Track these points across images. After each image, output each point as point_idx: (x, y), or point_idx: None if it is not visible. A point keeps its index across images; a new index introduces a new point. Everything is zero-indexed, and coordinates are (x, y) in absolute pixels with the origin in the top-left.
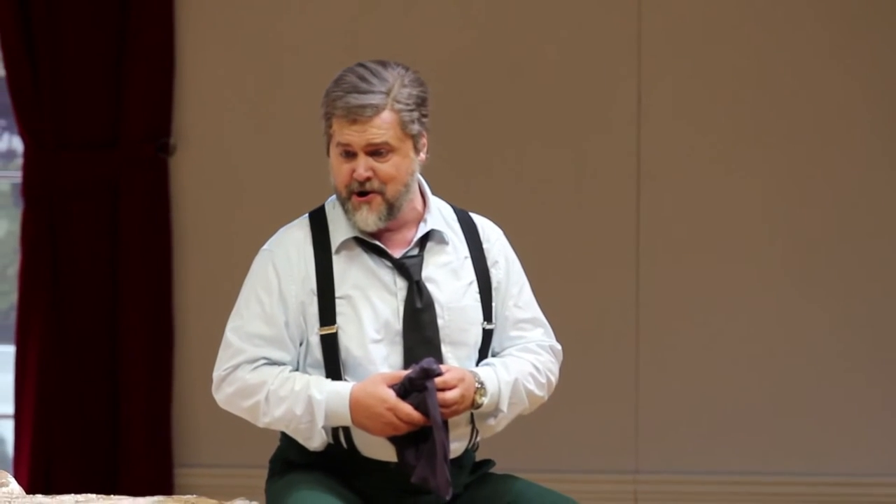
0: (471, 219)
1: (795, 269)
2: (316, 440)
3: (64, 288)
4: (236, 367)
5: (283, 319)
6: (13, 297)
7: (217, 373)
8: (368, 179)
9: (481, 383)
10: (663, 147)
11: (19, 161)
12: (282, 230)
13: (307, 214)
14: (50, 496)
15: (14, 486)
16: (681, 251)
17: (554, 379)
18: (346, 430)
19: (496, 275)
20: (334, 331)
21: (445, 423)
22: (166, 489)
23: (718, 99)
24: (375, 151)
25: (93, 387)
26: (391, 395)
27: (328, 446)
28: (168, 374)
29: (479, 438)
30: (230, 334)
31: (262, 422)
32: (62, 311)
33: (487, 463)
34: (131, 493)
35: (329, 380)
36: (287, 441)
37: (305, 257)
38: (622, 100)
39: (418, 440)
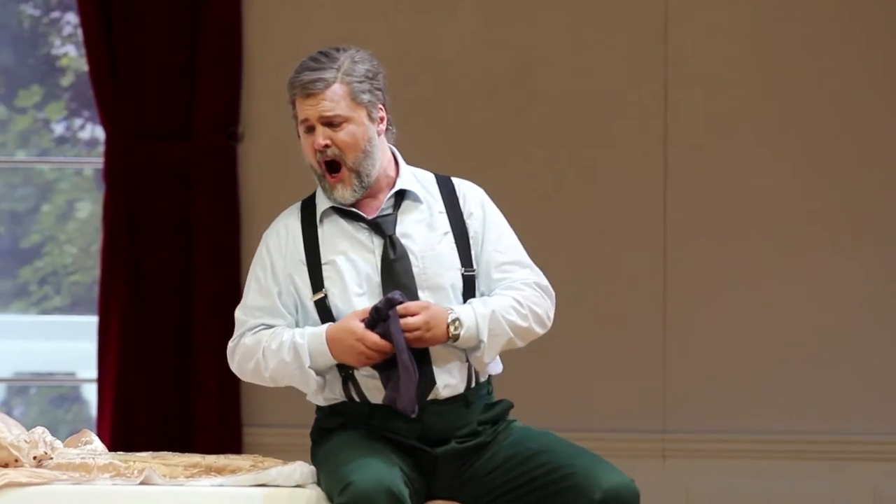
0: (450, 181)
1: (819, 235)
2: (311, 384)
3: (142, 264)
4: (241, 336)
5: (276, 290)
6: (96, 273)
7: (228, 347)
8: (327, 147)
9: (457, 317)
10: (690, 135)
11: (101, 149)
12: (279, 216)
13: (301, 200)
14: (129, 453)
15: (97, 444)
16: (707, 218)
17: (542, 311)
18: (355, 383)
19: (472, 225)
20: (323, 295)
21: (418, 351)
22: (235, 447)
23: (746, 87)
24: (330, 122)
25: (168, 354)
26: (359, 326)
27: (348, 405)
28: None
29: (483, 378)
30: (237, 311)
31: (265, 378)
32: (140, 285)
33: (502, 402)
34: (203, 450)
35: (311, 327)
36: (320, 412)
37: (293, 233)
38: (649, 88)
39: (391, 367)
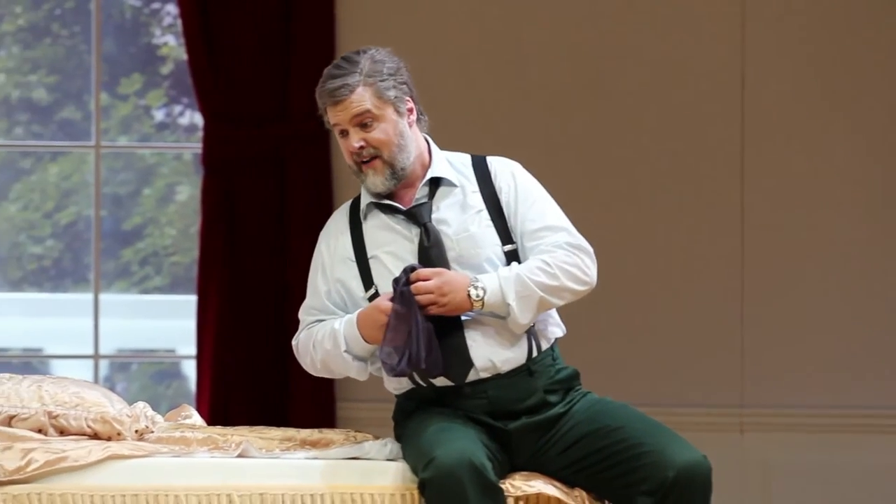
0: (484, 160)
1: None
2: (352, 369)
3: (238, 245)
4: (299, 333)
5: (324, 289)
6: (195, 253)
7: (292, 345)
8: (363, 148)
9: (478, 284)
10: (769, 112)
11: (199, 134)
12: (332, 215)
13: (351, 199)
14: (227, 426)
15: (196, 418)
16: (786, 192)
17: (574, 269)
18: None
19: (503, 199)
20: (374, 291)
21: (448, 326)
22: (329, 422)
23: (823, 82)
24: (361, 123)
25: (264, 331)
26: (383, 300)
27: (417, 390)
28: None
29: (546, 346)
30: (299, 311)
31: (319, 369)
32: (237, 264)
33: (567, 369)
34: (298, 425)
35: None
36: (399, 396)
37: (342, 232)
38: (726, 82)
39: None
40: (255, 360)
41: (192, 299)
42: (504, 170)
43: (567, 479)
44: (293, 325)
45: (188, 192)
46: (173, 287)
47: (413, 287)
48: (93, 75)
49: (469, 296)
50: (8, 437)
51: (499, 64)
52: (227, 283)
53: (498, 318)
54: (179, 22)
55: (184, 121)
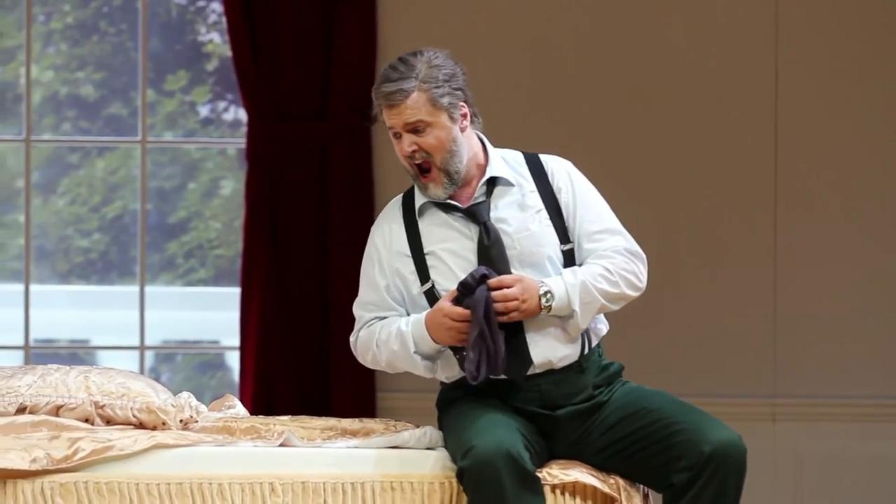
0: (537, 158)
1: None
2: (420, 368)
3: (281, 238)
4: (358, 331)
5: (383, 284)
6: (239, 246)
7: (350, 342)
8: (415, 152)
9: (548, 290)
10: (801, 119)
11: (243, 129)
12: (383, 211)
13: (402, 193)
14: (270, 416)
15: (240, 408)
16: (817, 184)
17: (632, 276)
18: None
19: (562, 199)
20: (430, 285)
21: (511, 328)
22: (370, 411)
23: (856, 74)
24: (414, 128)
25: (306, 323)
26: (446, 303)
27: (467, 379)
28: None
29: (595, 343)
30: (354, 307)
31: (383, 366)
32: (280, 257)
33: (614, 364)
34: (340, 414)
35: (415, 314)
36: (444, 384)
37: (396, 228)
38: (759, 74)
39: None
40: (298, 350)
41: (235, 291)
42: (560, 169)
43: (604, 464)
44: (335, 317)
45: (232, 187)
46: (217, 279)
47: (499, 294)
48: (139, 72)
49: (540, 302)
50: (55, 427)
51: (538, 62)
52: (270, 276)
53: (554, 317)
54: (224, 20)
55: (228, 116)
